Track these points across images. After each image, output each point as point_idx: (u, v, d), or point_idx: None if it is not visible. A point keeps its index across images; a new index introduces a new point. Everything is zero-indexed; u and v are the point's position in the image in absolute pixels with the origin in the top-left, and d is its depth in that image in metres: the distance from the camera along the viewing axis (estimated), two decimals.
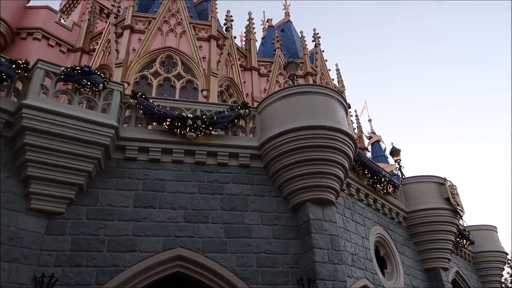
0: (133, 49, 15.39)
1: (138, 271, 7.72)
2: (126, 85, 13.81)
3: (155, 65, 15.22)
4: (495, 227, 18.78)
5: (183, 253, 8.12)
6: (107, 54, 16.01)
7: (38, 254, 7.43)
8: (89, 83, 8.78)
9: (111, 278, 7.53)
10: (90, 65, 14.24)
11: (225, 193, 9.11)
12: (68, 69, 8.77)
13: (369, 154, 23.33)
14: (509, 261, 56.84)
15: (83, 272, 7.49)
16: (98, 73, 9.39)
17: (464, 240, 16.13)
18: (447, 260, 13.67)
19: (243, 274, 8.22)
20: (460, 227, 15.71)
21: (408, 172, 25.27)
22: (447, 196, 13.76)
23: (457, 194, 14.37)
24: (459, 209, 13.87)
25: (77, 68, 8.89)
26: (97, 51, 16.18)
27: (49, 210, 7.82)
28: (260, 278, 8.27)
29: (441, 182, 14.16)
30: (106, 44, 16.21)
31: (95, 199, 8.33)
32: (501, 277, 18.84)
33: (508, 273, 57.54)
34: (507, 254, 18.56)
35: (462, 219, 16.03)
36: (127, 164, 8.93)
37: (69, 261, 7.54)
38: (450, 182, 14.36)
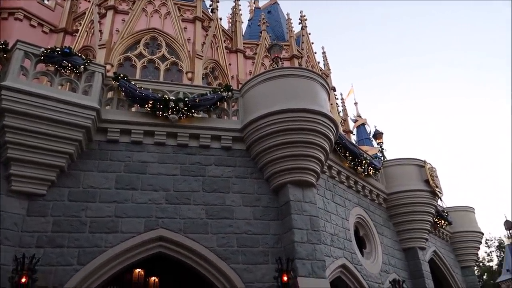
0: (116, 30, 15.17)
1: (120, 251, 7.87)
2: (109, 66, 13.72)
3: (139, 46, 15.06)
4: (473, 208, 19.31)
5: (164, 234, 8.28)
6: (90, 35, 15.76)
7: (20, 235, 7.52)
8: (69, 64, 8.75)
9: (93, 258, 7.68)
10: (72, 46, 14.07)
11: (207, 175, 9.24)
12: (48, 51, 8.70)
13: (354, 137, 23.61)
14: (487, 241, 58.62)
15: (65, 253, 7.61)
16: (79, 54, 9.36)
17: (442, 221, 16.61)
18: (425, 240, 14.11)
19: (224, 254, 8.43)
20: (439, 208, 16.15)
21: (391, 154, 25.72)
22: (427, 178, 14.10)
23: (436, 176, 14.72)
24: (438, 191, 14.25)
25: (57, 49, 8.83)
26: (80, 32, 15.90)
27: (30, 192, 7.87)
28: (240, 258, 8.49)
29: (421, 165, 14.48)
30: (89, 24, 15.93)
31: (76, 181, 8.39)
32: (476, 256, 19.52)
33: (485, 252, 59.45)
34: (482, 234, 19.16)
35: (441, 200, 16.48)
36: (109, 146, 8.97)
37: (51, 242, 7.64)
38: (430, 164, 14.69)
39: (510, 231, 51.40)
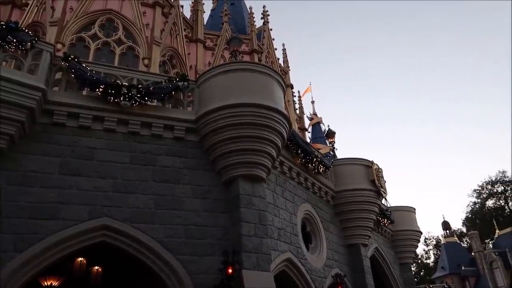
0: (70, 8, 14.48)
1: (60, 239, 7.57)
2: (60, 46, 13.11)
3: (94, 27, 14.47)
4: (414, 208, 20.47)
5: (109, 223, 8.06)
6: (41, 10, 14.88)
7: None
8: (14, 40, 8.24)
9: (30, 245, 7.33)
10: (20, 21, 13.24)
11: (157, 164, 9.08)
12: None
13: (309, 135, 24.11)
14: (426, 239, 62.16)
15: (0, 238, 7.21)
16: (26, 30, 8.84)
17: (385, 219, 17.44)
18: (367, 237, 14.76)
19: (170, 245, 8.35)
20: (383, 207, 16.93)
21: (342, 153, 26.55)
22: (373, 178, 14.72)
23: (382, 177, 15.41)
24: (382, 191, 14.92)
25: (1, 23, 8.29)
26: (30, 6, 14.94)
27: None
28: (187, 249, 8.45)
29: (368, 165, 15.08)
30: None
31: (17, 164, 7.95)
32: (414, 254, 20.77)
33: (424, 250, 63.03)
34: (421, 233, 20.38)
35: (385, 199, 17.30)
36: (54, 130, 8.58)
37: None
38: (377, 165, 15.33)
39: (447, 231, 55.05)
